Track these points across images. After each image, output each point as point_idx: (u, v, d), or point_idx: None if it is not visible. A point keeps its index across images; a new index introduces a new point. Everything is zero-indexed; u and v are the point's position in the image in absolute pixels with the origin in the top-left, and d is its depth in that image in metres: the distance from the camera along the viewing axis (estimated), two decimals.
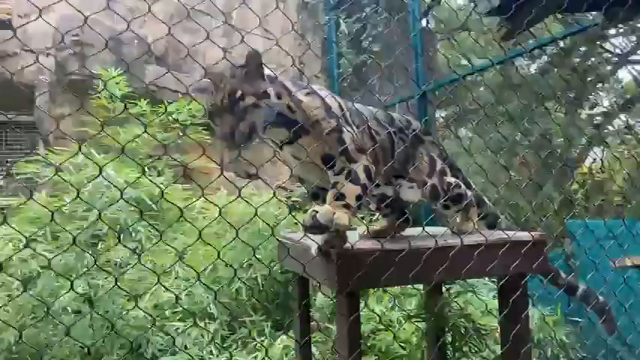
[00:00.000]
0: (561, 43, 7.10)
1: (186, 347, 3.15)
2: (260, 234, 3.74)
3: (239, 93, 1.48)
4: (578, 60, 7.66)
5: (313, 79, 8.75)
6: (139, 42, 7.32)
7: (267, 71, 1.59)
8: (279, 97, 1.58)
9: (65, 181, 3.04)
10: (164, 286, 2.00)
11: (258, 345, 3.12)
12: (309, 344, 2.27)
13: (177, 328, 3.27)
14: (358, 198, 1.56)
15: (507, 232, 1.92)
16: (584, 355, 3.77)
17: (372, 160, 1.68)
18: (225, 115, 1.49)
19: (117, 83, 4.89)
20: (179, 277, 3.27)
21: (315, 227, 1.49)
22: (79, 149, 2.09)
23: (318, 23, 8.78)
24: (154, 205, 3.60)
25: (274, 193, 1.73)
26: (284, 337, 3.13)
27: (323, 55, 8.88)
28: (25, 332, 2.61)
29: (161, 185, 3.83)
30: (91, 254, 2.91)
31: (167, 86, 7.39)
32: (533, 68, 8.98)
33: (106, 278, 3.07)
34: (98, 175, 3.07)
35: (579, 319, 3.89)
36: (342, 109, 1.72)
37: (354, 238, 1.75)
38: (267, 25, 8.45)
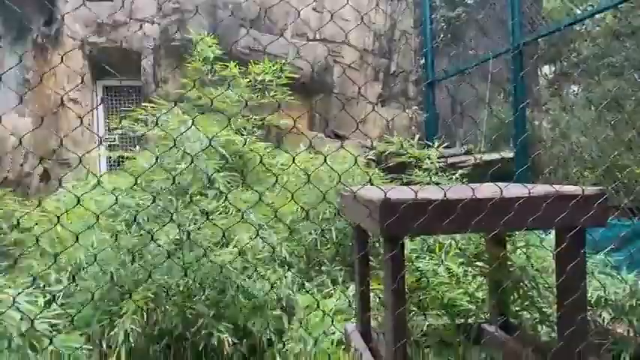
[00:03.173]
0: None
1: (265, 291, 3.41)
2: (336, 190, 3.87)
3: None
4: None
5: (404, 36, 8.54)
6: (233, 6, 7.61)
7: None
8: None
9: (165, 135, 3.35)
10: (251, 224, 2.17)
11: (332, 291, 3.30)
12: (367, 294, 2.38)
13: (259, 273, 3.53)
14: None
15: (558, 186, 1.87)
16: None
17: None
18: None
19: (209, 46, 5.18)
20: (254, 225, 3.51)
21: None
22: (174, 105, 2.32)
23: None
24: (234, 159, 3.86)
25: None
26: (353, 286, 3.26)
27: (415, 9, 8.60)
28: (125, 268, 3.01)
29: (242, 141, 4.08)
30: (180, 202, 3.23)
31: (259, 49, 7.67)
32: None
33: (195, 223, 3.39)
34: (189, 128, 3.36)
35: None
36: None
37: None
38: None
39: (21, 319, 2.37)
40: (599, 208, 1.76)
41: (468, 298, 2.69)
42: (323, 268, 3.74)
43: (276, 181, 3.65)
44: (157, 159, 2.79)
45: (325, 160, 2.10)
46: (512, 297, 2.24)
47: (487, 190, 1.91)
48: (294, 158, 2.32)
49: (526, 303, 2.21)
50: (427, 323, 2.35)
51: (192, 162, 2.79)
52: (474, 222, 1.69)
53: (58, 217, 2.23)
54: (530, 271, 2.20)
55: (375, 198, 1.76)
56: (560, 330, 1.88)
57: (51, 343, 2.23)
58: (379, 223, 1.69)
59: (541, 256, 2.56)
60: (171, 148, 2.80)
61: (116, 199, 2.84)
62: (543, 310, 2.22)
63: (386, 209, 1.69)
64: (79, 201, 1.82)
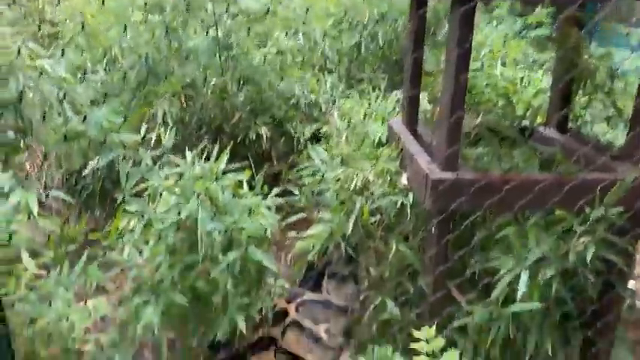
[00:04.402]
0: None
1: (303, 92, 3.28)
2: None
3: None
4: None
5: None
6: None
7: None
8: None
9: None
10: None
11: (373, 97, 3.15)
12: (418, 86, 2.20)
13: (297, 77, 3.36)
14: None
15: None
16: None
17: None
18: None
19: None
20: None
21: None
22: None
23: None
24: None
25: None
26: (398, 93, 3.09)
27: None
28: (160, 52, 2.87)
29: None
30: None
31: None
32: None
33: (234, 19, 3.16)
34: None
35: None
36: None
37: None
38: None
39: (60, 87, 2.31)
40: None
41: (524, 105, 2.51)
42: (364, 75, 3.55)
43: None
44: None
45: None
46: (578, 91, 2.00)
47: None
48: None
49: (594, 97, 1.98)
50: (480, 117, 2.19)
51: None
52: None
53: None
54: (604, 63, 1.92)
55: None
56: (634, 124, 1.71)
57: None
58: None
59: (618, 61, 2.26)
60: None
61: None
62: (617, 105, 2.00)
63: None
64: None
